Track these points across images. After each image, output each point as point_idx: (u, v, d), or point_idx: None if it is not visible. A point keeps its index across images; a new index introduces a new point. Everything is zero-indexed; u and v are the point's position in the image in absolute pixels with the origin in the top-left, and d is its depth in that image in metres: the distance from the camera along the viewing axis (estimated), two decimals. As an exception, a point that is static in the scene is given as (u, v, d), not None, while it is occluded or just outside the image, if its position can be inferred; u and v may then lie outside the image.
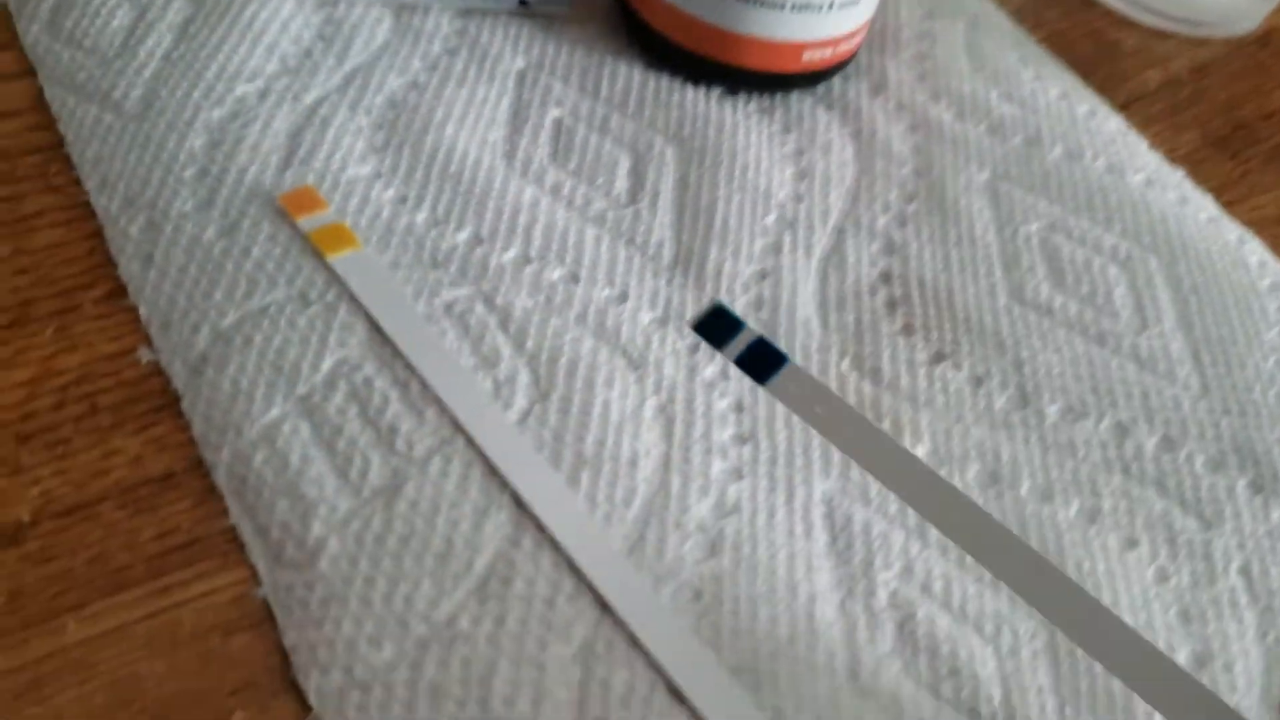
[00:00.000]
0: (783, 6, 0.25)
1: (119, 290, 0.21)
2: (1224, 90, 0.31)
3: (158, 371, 0.19)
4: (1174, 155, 0.29)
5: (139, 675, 0.16)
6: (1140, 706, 0.18)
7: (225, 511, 0.18)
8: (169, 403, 0.19)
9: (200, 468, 0.18)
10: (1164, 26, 0.33)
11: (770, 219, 0.24)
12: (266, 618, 0.17)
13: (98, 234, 0.21)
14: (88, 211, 0.22)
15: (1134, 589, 0.19)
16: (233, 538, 0.18)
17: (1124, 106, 0.30)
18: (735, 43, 0.26)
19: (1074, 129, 0.28)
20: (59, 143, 0.23)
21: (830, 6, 0.25)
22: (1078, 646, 0.17)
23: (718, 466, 0.19)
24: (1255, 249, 0.26)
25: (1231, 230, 0.27)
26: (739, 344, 0.21)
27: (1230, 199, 0.28)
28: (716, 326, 0.21)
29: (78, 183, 0.22)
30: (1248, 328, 0.24)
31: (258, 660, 0.17)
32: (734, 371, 0.21)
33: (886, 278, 0.24)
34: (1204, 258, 0.26)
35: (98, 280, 0.21)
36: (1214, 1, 0.33)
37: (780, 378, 0.21)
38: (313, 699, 0.16)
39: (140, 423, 0.19)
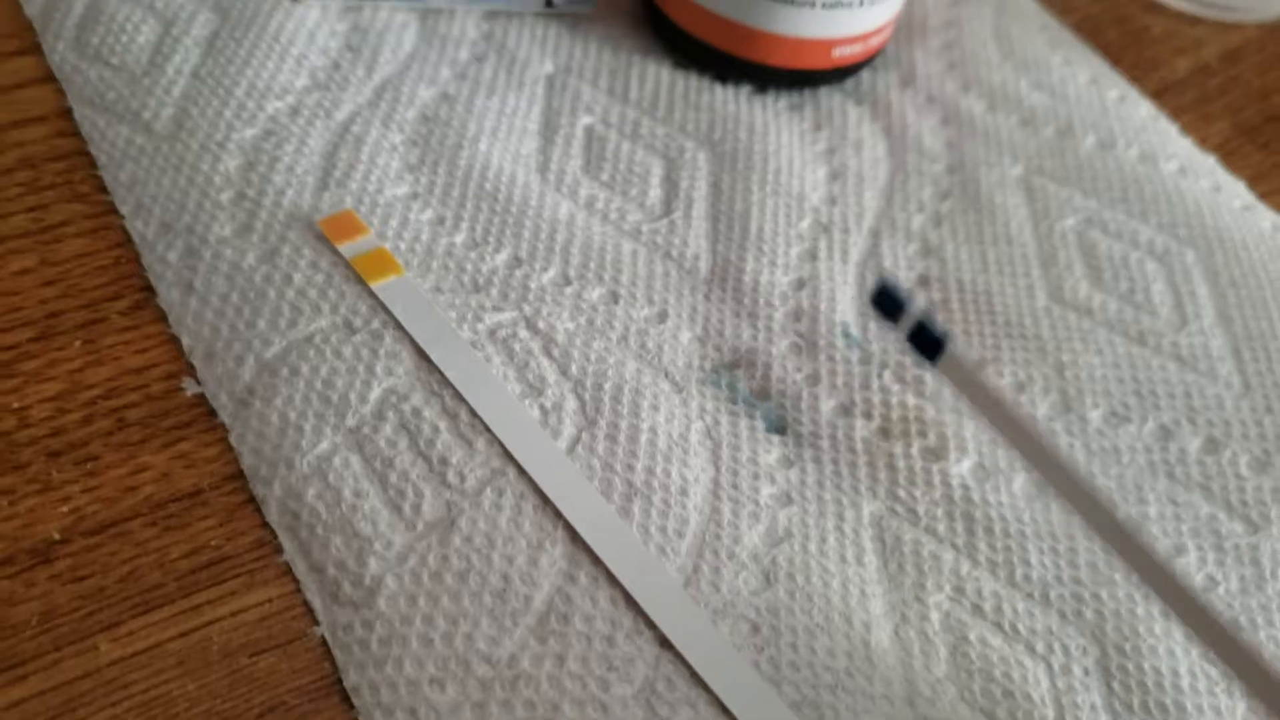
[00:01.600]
0: (814, 4, 0.25)
1: (144, 301, 0.21)
2: (1256, 78, 0.31)
3: (191, 398, 0.19)
4: (1205, 144, 0.29)
5: (171, 696, 0.17)
6: (1193, 723, 0.18)
7: (252, 528, 0.18)
8: (195, 418, 0.19)
9: (226, 484, 0.19)
10: (1194, 11, 0.33)
11: (805, 224, 0.24)
12: (292, 638, 0.17)
13: (123, 243, 0.21)
14: (113, 219, 0.21)
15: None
16: (259, 556, 0.18)
17: (1154, 95, 0.30)
18: (765, 41, 0.25)
19: (1105, 117, 0.28)
20: (83, 149, 0.22)
21: (862, 2, 0.25)
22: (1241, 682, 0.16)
23: (766, 491, 0.19)
24: (1291, 236, 0.26)
25: (1266, 217, 0.26)
26: (909, 319, 0.19)
27: (1264, 190, 0.28)
28: (887, 303, 0.19)
29: (102, 189, 0.22)
30: (1286, 322, 0.24)
31: (285, 681, 0.17)
32: (774, 386, 0.21)
33: (925, 281, 0.24)
34: (1240, 248, 0.26)
35: (124, 291, 0.21)
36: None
37: (946, 359, 0.19)
38: (378, 739, 0.16)
39: (167, 438, 0.19)
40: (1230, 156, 0.29)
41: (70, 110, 0.23)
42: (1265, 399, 0.23)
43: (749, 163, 0.25)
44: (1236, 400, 0.23)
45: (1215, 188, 0.27)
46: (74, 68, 0.23)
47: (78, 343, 0.20)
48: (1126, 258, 0.25)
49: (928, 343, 0.19)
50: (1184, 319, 0.24)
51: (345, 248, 0.21)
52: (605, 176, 0.24)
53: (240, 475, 0.19)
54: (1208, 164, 0.28)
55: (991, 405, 0.18)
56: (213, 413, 0.19)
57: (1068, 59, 0.29)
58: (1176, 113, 0.29)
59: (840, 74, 0.27)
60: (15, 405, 0.19)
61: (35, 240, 0.21)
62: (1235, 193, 0.27)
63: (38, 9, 0.24)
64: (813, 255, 0.24)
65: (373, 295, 0.20)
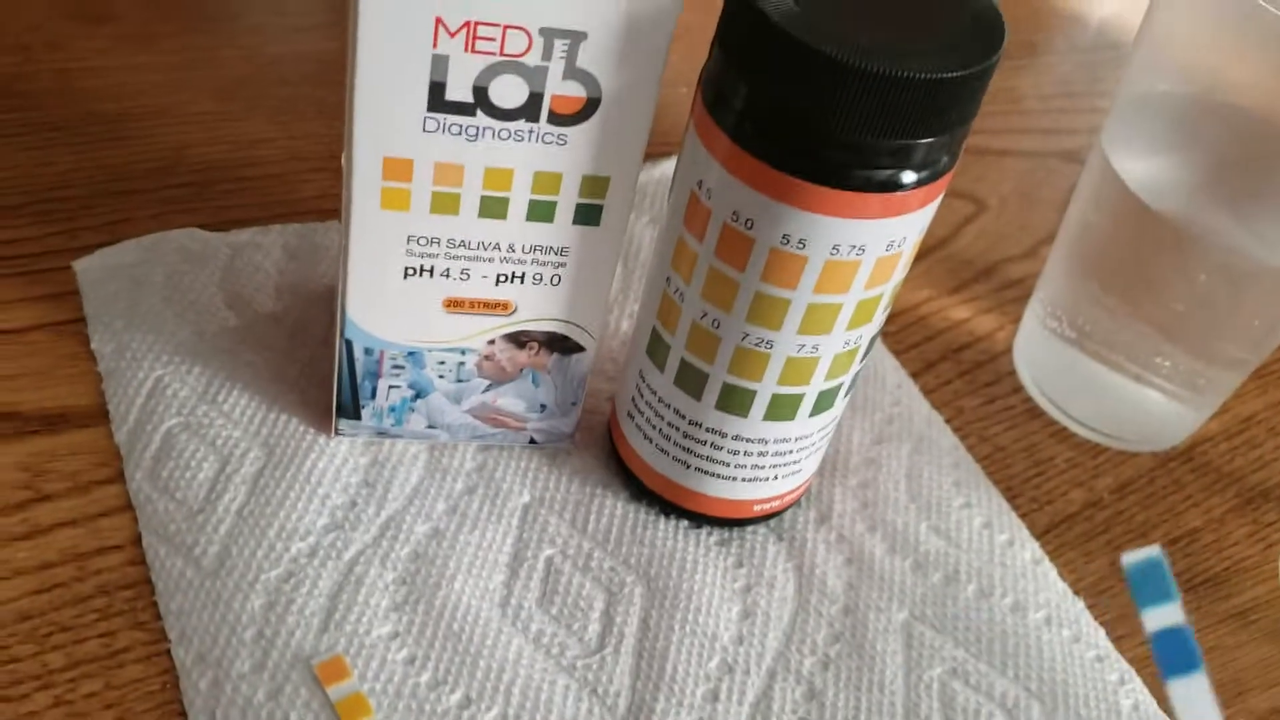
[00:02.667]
0: (735, 479, 0.31)
1: (181, 727, 0.27)
2: (1141, 512, 0.36)
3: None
4: (1079, 585, 0.34)
5: None
6: None
7: None
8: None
9: None
10: (1098, 440, 0.38)
11: (713, 664, 0.30)
12: None
13: (168, 670, 0.27)
14: (164, 645, 0.28)
15: None
16: None
17: (1044, 533, 0.35)
18: (698, 498, 0.31)
19: (990, 563, 0.33)
20: (147, 578, 0.29)
21: (775, 477, 0.31)
22: None
23: None
24: (1133, 691, 0.31)
25: (1114, 670, 0.31)
26: (1158, 617, 0.20)
27: (1123, 633, 0.33)
28: (1148, 586, 0.20)
29: (158, 618, 0.28)
30: (1109, 781, 0.29)
31: None
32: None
33: (804, 724, 0.29)
34: (1081, 704, 0.30)
35: (165, 716, 0.27)
36: (1151, 422, 0.38)
37: (1184, 681, 0.20)
38: None
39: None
40: (1100, 596, 0.34)
41: (140, 538, 0.29)
42: None
43: (675, 600, 0.31)
44: None
45: (1075, 638, 0.32)
46: (147, 498, 0.30)
47: (125, 766, 0.26)
48: (979, 710, 0.30)
49: (1178, 655, 0.20)
50: (1019, 774, 0.29)
51: (332, 690, 0.27)
52: (555, 610, 0.30)
53: None
54: (1074, 611, 0.33)
55: None
56: (216, 828, 0.25)
57: (969, 500, 0.35)
58: (1060, 550, 0.35)
59: (764, 518, 0.33)
60: (69, 815, 0.25)
61: (102, 665, 0.27)
62: (1092, 643, 0.32)
63: (124, 437, 0.31)
64: (715, 696, 0.29)
65: (348, 738, 0.26)
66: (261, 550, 0.29)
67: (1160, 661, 0.21)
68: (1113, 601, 0.34)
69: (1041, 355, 0.39)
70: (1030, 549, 0.34)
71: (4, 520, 0.29)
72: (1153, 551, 0.21)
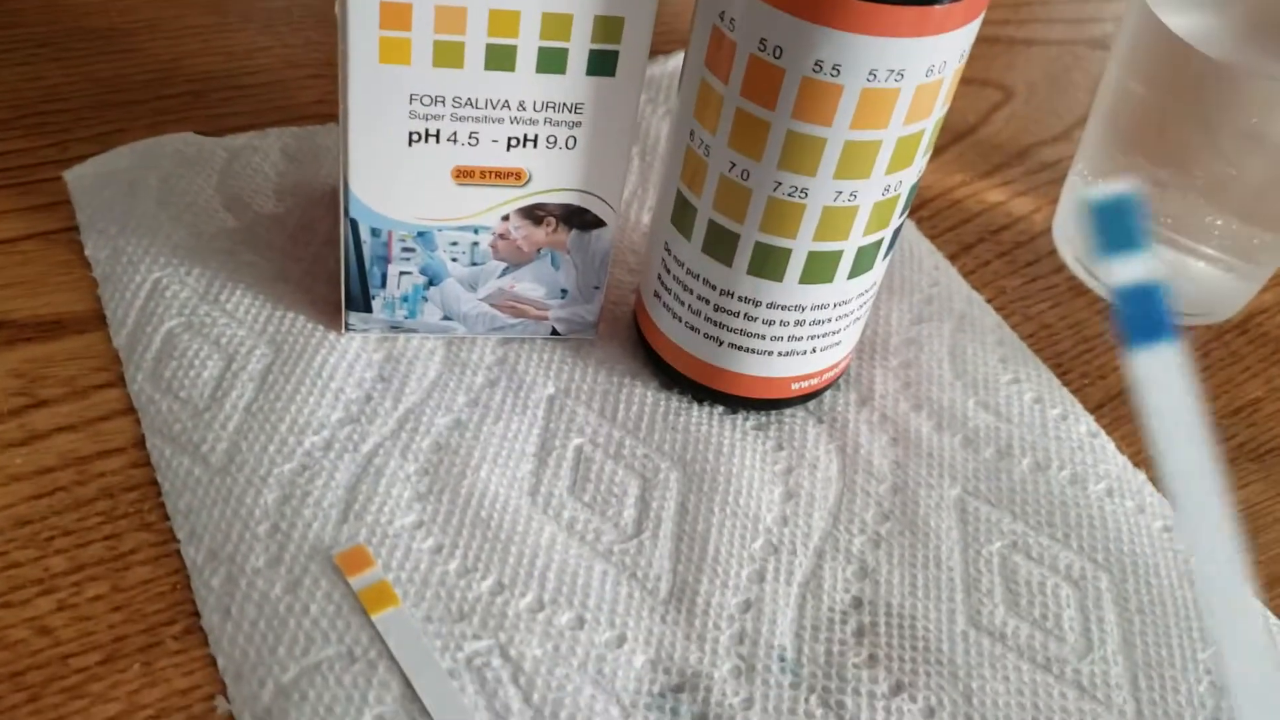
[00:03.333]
0: (771, 353, 0.29)
1: (193, 627, 0.25)
2: (1199, 383, 0.34)
3: (223, 716, 0.24)
4: (1139, 458, 0.32)
5: None
6: None
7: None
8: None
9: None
10: (1145, 312, 0.36)
11: (757, 544, 0.28)
12: None
13: (179, 569, 0.26)
14: (173, 546, 0.26)
15: None
16: None
17: (1097, 407, 0.33)
18: (731, 378, 0.30)
19: (1044, 436, 0.31)
20: (152, 480, 0.27)
21: (814, 350, 0.29)
22: None
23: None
24: (1205, 560, 0.29)
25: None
26: (1127, 268, 0.16)
27: (1189, 503, 0.31)
28: (1114, 228, 0.16)
29: (166, 519, 0.26)
30: (1185, 649, 0.27)
31: None
32: (713, 708, 0.25)
33: (858, 604, 0.27)
34: (1152, 574, 0.29)
35: (177, 617, 0.25)
36: (1203, 292, 0.36)
37: (1153, 351, 0.16)
38: None
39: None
40: (1162, 470, 0.32)
41: (144, 440, 0.28)
42: (1157, 728, 0.26)
43: (714, 484, 0.29)
44: (1130, 729, 0.26)
45: (1140, 508, 0.30)
46: (149, 399, 0.28)
47: (136, 665, 0.24)
48: (1044, 583, 0.28)
49: (1148, 321, 0.16)
50: (1090, 645, 0.27)
51: (355, 580, 0.25)
52: (588, 497, 0.28)
53: (254, 784, 0.23)
54: (1137, 482, 0.31)
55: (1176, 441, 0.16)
56: (237, 726, 0.23)
57: (1016, 376, 0.33)
58: (1117, 423, 0.33)
59: (802, 399, 0.31)
60: (80, 721, 0.23)
61: (108, 568, 0.25)
62: (1158, 513, 0.30)
63: (123, 341, 0.30)
64: (761, 576, 0.27)
65: (373, 626, 0.25)
66: (273, 445, 0.28)
67: (1125, 327, 0.16)
68: (1176, 474, 0.32)
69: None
70: (1085, 422, 0.32)
71: (0, 426, 0.28)
72: (1124, 189, 0.16)
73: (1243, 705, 0.17)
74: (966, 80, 0.44)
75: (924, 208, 0.38)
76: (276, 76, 0.38)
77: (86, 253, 0.31)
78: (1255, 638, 0.18)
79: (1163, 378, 0.16)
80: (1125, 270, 0.16)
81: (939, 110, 0.26)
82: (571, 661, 0.25)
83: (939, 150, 0.41)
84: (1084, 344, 0.35)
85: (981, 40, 0.46)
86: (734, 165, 0.26)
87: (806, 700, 0.25)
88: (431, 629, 0.25)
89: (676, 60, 0.42)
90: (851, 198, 0.26)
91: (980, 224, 0.38)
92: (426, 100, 0.26)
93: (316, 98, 0.38)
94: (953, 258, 0.37)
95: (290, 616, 0.25)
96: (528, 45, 0.25)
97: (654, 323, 0.30)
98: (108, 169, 0.33)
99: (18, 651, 0.24)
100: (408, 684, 0.24)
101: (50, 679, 0.24)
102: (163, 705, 0.24)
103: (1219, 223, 0.34)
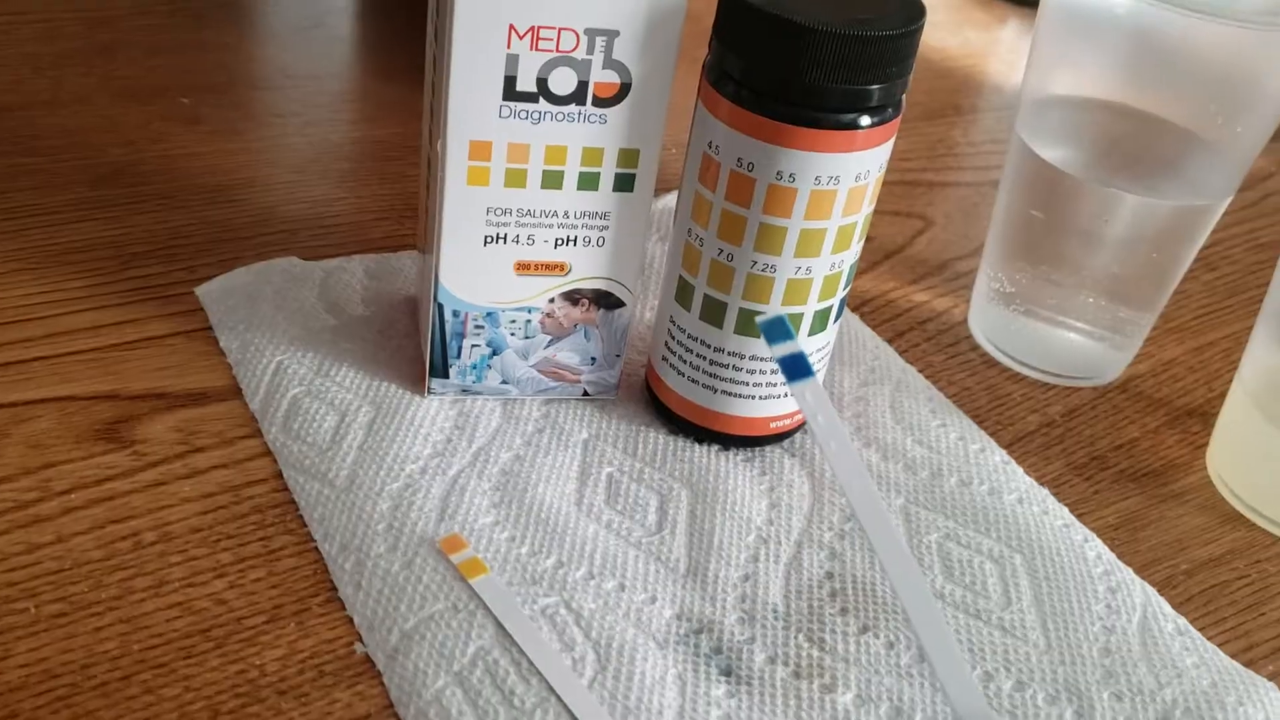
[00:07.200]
0: (753, 397, 0.38)
1: (333, 598, 0.33)
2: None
3: (361, 656, 0.32)
4: (1043, 479, 0.41)
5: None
6: None
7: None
8: (364, 669, 0.31)
9: (384, 712, 0.30)
10: (1047, 379, 0.46)
11: (751, 538, 0.37)
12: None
13: (318, 560, 0.34)
14: (312, 544, 0.34)
15: (983, 783, 0.30)
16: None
17: (1009, 445, 0.42)
18: (725, 420, 0.39)
19: (967, 463, 0.41)
20: (290, 500, 0.36)
21: (785, 395, 0.39)
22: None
23: (715, 714, 0.31)
24: (1094, 546, 0.38)
25: (1078, 533, 0.38)
26: (783, 349, 0.31)
27: (1082, 511, 0.40)
28: (774, 331, 0.31)
29: (304, 525, 0.35)
30: (1082, 602, 0.36)
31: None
32: (725, 644, 0.33)
33: (830, 575, 0.36)
34: (1055, 554, 0.37)
35: (319, 590, 0.33)
36: (1085, 360, 0.46)
37: (801, 385, 0.31)
38: None
39: (350, 683, 0.31)
40: (1061, 488, 0.41)
41: (281, 473, 0.36)
42: (1061, 655, 0.34)
43: (715, 498, 0.38)
44: (1040, 656, 0.34)
45: (1044, 511, 0.39)
46: (283, 444, 0.37)
47: (292, 624, 0.32)
48: (971, 561, 0.37)
49: (795, 369, 0.30)
50: (1009, 600, 0.36)
51: (454, 557, 0.34)
52: (620, 506, 0.37)
53: (391, 705, 0.31)
54: (1040, 494, 0.40)
55: (828, 433, 0.30)
56: (373, 664, 0.31)
57: (944, 422, 0.42)
58: (1024, 457, 0.42)
59: (779, 437, 0.40)
60: (256, 662, 0.31)
61: (264, 559, 0.34)
62: (1058, 515, 0.39)
63: (258, 405, 0.39)
64: (755, 559, 0.36)
65: (470, 588, 0.33)
66: (383, 471, 0.36)
67: (787, 376, 0.31)
68: (1070, 491, 0.41)
69: (991, 317, 0.47)
70: (999, 454, 0.41)
71: (170, 466, 0.36)
72: (778, 311, 0.34)
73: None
74: (895, 212, 0.55)
75: (866, 305, 0.48)
76: (353, 219, 0.48)
77: (221, 344, 0.41)
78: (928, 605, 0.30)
79: (814, 396, 0.31)
80: (780, 349, 0.31)
81: (867, 207, 0.36)
82: (618, 612, 0.33)
83: (876, 264, 0.51)
84: (996, 401, 0.44)
85: (906, 183, 0.58)
86: (721, 250, 0.36)
87: (795, 637, 0.34)
88: (513, 590, 0.33)
89: (667, 200, 0.52)
90: (808, 271, 0.36)
91: (910, 317, 0.48)
92: (499, 212, 0.36)
93: (386, 233, 0.48)
94: (890, 341, 0.46)
95: (407, 585, 0.33)
96: (571, 171, 0.36)
97: (662, 380, 0.40)
98: (230, 284, 0.43)
99: (204, 616, 0.32)
100: (499, 626, 0.32)
101: (230, 634, 0.32)
102: (315, 650, 0.32)
103: (1090, 301, 0.44)
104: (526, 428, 0.39)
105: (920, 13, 0.34)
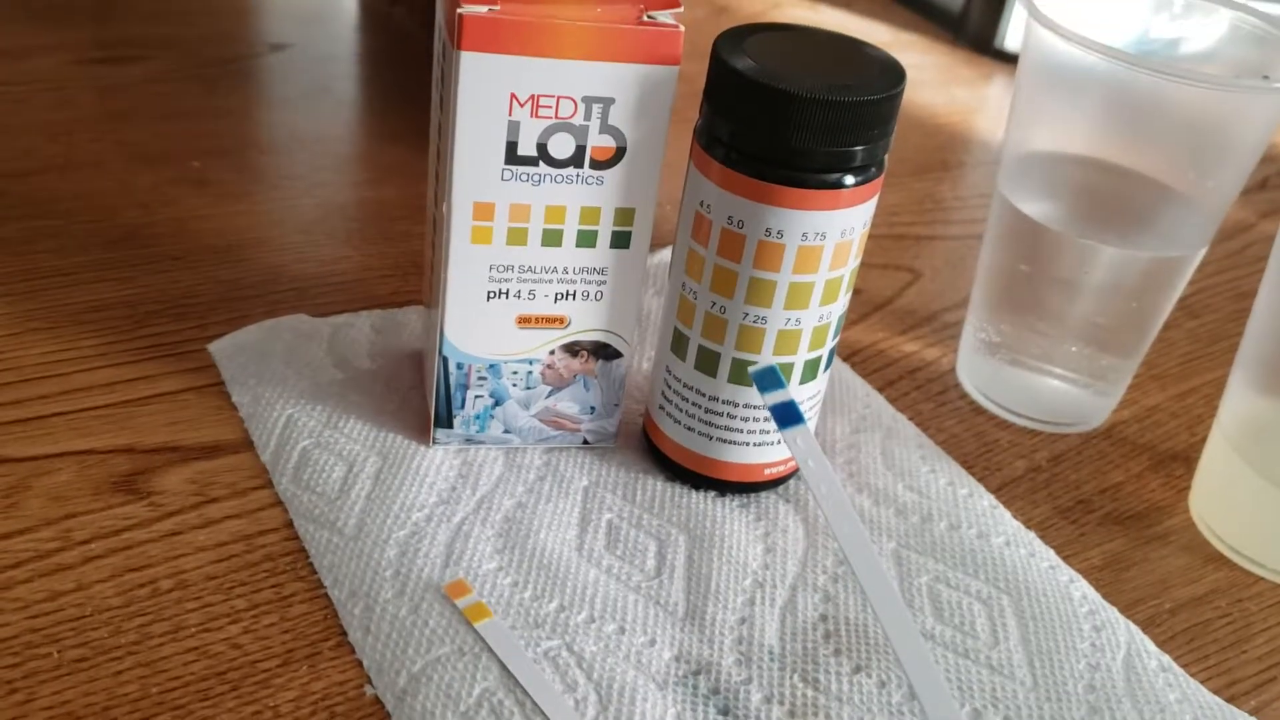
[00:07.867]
0: (747, 444, 0.40)
1: (343, 643, 0.34)
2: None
3: (370, 698, 0.33)
4: (1030, 522, 0.42)
5: None
6: None
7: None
8: (373, 710, 0.32)
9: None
10: (1033, 426, 0.47)
11: (747, 582, 0.38)
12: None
13: (327, 606, 0.35)
14: (322, 590, 0.35)
15: (973, 817, 0.31)
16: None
17: (997, 489, 0.44)
18: (721, 466, 0.40)
19: (956, 507, 0.42)
20: (301, 549, 0.37)
21: (778, 441, 0.40)
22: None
23: (711, 746, 0.32)
24: (1080, 587, 0.39)
25: (1064, 574, 0.40)
26: (774, 397, 0.33)
27: (1069, 553, 0.41)
28: (766, 380, 0.34)
29: (314, 572, 0.36)
30: (1068, 641, 0.37)
31: None
32: (723, 685, 0.34)
33: (825, 618, 0.37)
34: (1041, 595, 0.39)
35: (330, 635, 0.34)
36: (1070, 407, 0.47)
37: (792, 431, 0.33)
38: None
39: (361, 731, 0.32)
40: (1047, 530, 0.42)
41: (292, 522, 0.38)
42: (1047, 691, 0.35)
43: (712, 542, 0.39)
44: (1027, 693, 0.35)
45: (1031, 554, 0.40)
46: (293, 494, 0.38)
47: (304, 667, 0.33)
48: (960, 602, 0.38)
49: (787, 416, 0.33)
50: (996, 640, 0.37)
51: (459, 601, 0.35)
52: (619, 552, 0.38)
53: (397, 741, 0.32)
54: (1028, 538, 0.41)
55: (818, 476, 0.32)
56: (383, 706, 0.33)
57: (933, 468, 0.44)
58: (1011, 501, 0.43)
59: (774, 483, 0.41)
60: (270, 704, 0.32)
61: (276, 605, 0.35)
62: (1045, 557, 0.40)
63: (269, 457, 0.40)
64: (751, 602, 0.37)
65: (475, 632, 0.34)
66: (390, 518, 0.38)
67: (779, 423, 0.33)
68: (1057, 534, 0.42)
69: (978, 366, 0.48)
70: (987, 499, 0.43)
71: (184, 516, 0.37)
72: (769, 361, 0.35)
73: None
74: (885, 265, 0.57)
75: (857, 355, 0.50)
76: (359, 276, 0.50)
77: (233, 399, 0.42)
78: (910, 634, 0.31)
79: (804, 441, 0.33)
80: (774, 398, 0.33)
81: (853, 261, 0.38)
82: (618, 654, 0.34)
83: (867, 315, 0.53)
84: (984, 448, 0.46)
85: (895, 236, 0.60)
86: (714, 303, 0.37)
87: (790, 677, 0.35)
88: (516, 633, 0.34)
89: (661, 255, 0.54)
90: (797, 323, 0.37)
91: (900, 367, 0.50)
92: (501, 268, 0.37)
93: (391, 290, 0.49)
94: (881, 390, 0.48)
95: (414, 629, 0.34)
96: (570, 229, 0.37)
97: (659, 429, 0.41)
98: (241, 341, 0.45)
99: (220, 659, 0.33)
100: (504, 668, 0.33)
101: (245, 676, 0.33)
102: (326, 692, 0.33)
103: (1074, 350, 0.46)
104: (528, 476, 0.41)
105: (900, 77, 0.36)
